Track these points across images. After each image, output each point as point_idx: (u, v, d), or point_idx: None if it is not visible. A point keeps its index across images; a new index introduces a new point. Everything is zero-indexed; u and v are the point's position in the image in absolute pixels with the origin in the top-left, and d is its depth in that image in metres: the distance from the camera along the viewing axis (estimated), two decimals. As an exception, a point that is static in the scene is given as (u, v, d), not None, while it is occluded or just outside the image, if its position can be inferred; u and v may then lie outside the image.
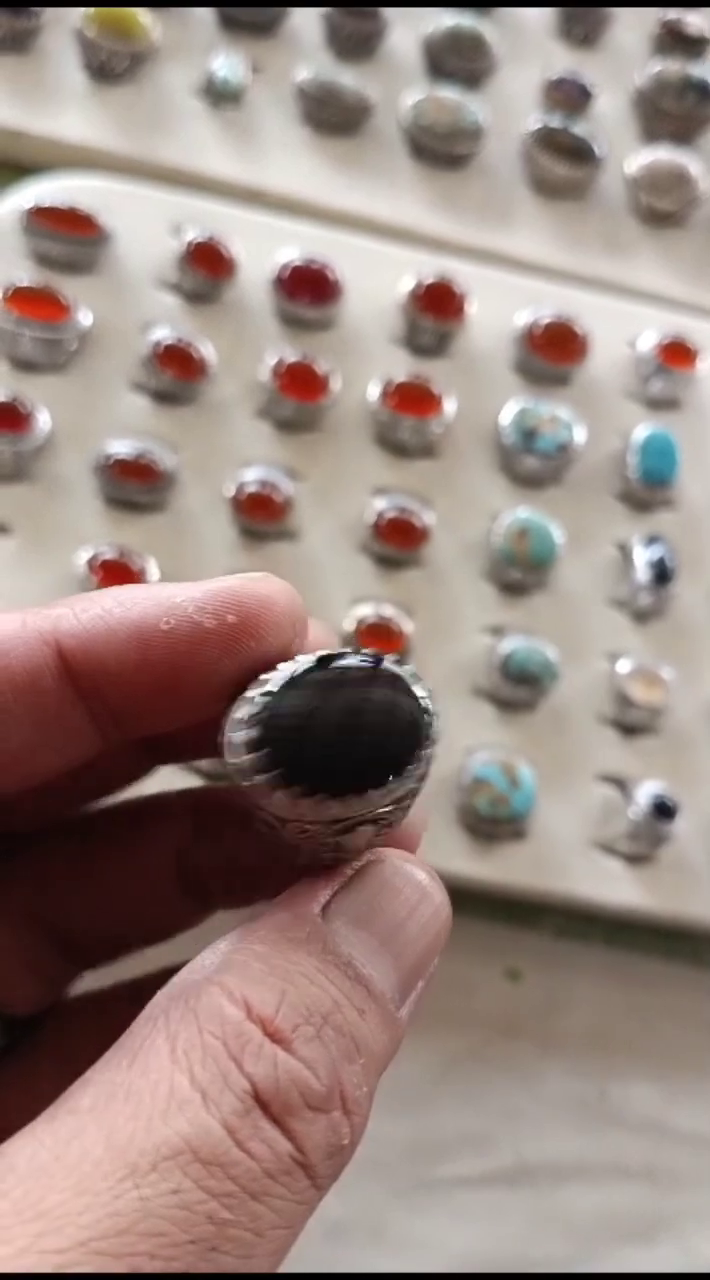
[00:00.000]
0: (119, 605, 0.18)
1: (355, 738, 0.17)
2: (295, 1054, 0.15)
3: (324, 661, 0.18)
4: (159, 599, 0.18)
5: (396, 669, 0.18)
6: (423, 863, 0.19)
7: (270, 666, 0.18)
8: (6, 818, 0.23)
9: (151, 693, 0.19)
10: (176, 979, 0.16)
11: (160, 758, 0.24)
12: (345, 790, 0.17)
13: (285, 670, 0.18)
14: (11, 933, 0.23)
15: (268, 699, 0.18)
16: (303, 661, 0.18)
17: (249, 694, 0.18)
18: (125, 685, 0.18)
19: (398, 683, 0.18)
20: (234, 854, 0.23)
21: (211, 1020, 0.15)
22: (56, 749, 0.19)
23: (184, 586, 0.19)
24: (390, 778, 0.17)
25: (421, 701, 0.18)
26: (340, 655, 0.18)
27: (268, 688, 0.18)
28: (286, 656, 0.18)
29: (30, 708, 0.18)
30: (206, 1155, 0.14)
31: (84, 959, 0.24)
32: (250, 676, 0.18)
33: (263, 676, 0.18)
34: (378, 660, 0.18)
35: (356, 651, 0.18)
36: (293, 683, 0.18)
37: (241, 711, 0.18)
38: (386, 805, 0.18)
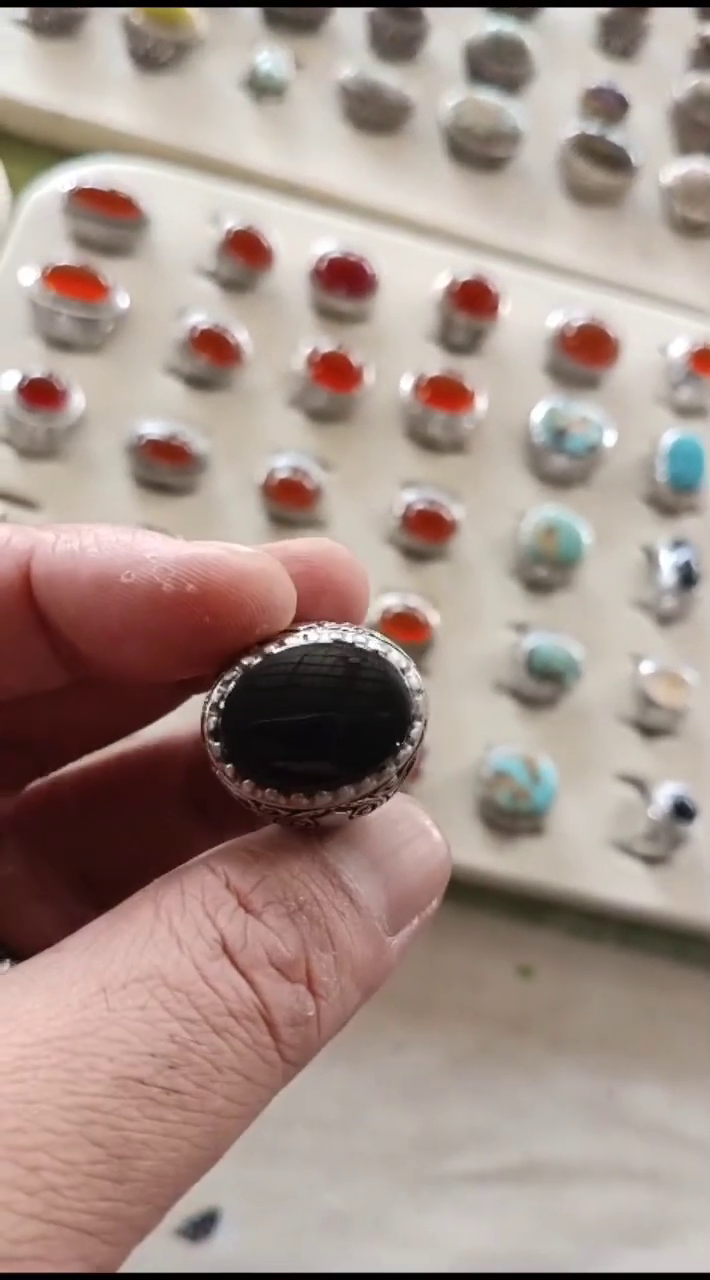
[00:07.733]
0: (95, 545, 0.17)
1: (324, 732, 0.16)
2: (264, 922, 0.17)
3: (301, 649, 0.17)
4: (133, 548, 0.17)
5: (382, 650, 0.17)
6: (426, 811, 0.20)
7: (259, 641, 0.17)
8: (32, 752, 0.23)
9: (107, 642, 0.18)
10: (173, 870, 0.17)
11: (190, 687, 0.22)
12: (311, 785, 0.16)
13: (263, 653, 0.17)
14: (27, 865, 0.23)
15: (230, 687, 0.17)
16: (289, 643, 0.17)
17: (225, 675, 0.17)
18: (82, 629, 0.18)
19: (378, 664, 0.17)
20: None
21: (193, 885, 0.17)
22: (17, 670, 0.19)
23: (167, 542, 0.17)
24: (363, 775, 0.16)
25: (406, 680, 0.17)
26: (314, 635, 0.17)
27: (234, 673, 0.17)
28: (276, 629, 0.17)
29: None
30: (174, 982, 0.15)
31: (97, 894, 0.24)
32: (237, 648, 0.17)
33: (243, 659, 0.17)
34: (363, 643, 0.17)
35: (352, 629, 0.17)
36: (263, 668, 0.17)
37: (213, 694, 0.17)
38: (361, 797, 0.17)
